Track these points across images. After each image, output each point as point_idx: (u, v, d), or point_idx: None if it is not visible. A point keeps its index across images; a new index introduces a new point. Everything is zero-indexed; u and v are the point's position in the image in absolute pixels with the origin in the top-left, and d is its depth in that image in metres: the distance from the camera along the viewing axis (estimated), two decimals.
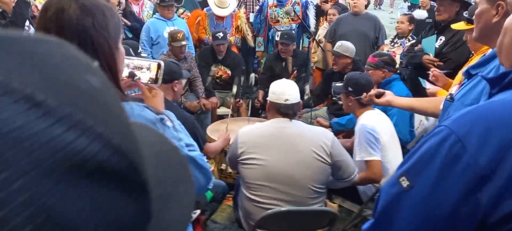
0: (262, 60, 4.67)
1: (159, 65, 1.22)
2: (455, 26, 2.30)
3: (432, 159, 0.68)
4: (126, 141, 0.27)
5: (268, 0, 4.51)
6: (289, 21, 4.39)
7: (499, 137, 0.63)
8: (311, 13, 4.56)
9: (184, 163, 0.44)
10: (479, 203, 0.63)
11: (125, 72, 1.19)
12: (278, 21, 4.43)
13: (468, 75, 1.36)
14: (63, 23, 0.84)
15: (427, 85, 2.40)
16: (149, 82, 1.22)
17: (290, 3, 4.44)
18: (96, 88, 0.27)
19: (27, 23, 3.19)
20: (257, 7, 4.73)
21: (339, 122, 3.06)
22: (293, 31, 4.35)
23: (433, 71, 2.42)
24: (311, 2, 4.66)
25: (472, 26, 2.15)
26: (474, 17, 1.37)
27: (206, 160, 1.19)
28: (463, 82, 1.40)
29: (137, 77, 1.20)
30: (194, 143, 1.16)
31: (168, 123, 1.05)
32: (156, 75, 1.22)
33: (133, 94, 1.28)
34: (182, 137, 1.10)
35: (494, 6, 1.27)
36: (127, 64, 1.20)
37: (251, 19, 4.61)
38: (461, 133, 0.66)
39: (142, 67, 1.21)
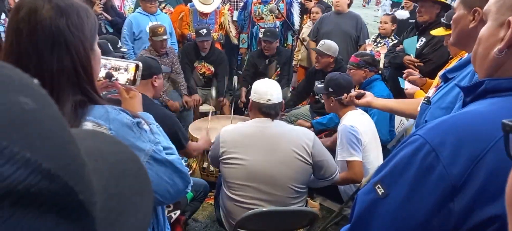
0: (245, 58, 4.66)
1: (137, 66, 1.20)
2: (434, 32, 2.35)
3: (407, 168, 0.69)
4: (60, 162, 0.27)
5: None
6: (273, 18, 4.39)
7: (470, 148, 0.64)
8: (296, 11, 4.57)
9: (143, 173, 0.44)
10: (451, 212, 0.65)
11: (101, 73, 1.16)
12: (262, 18, 4.43)
13: (445, 78, 1.38)
14: (36, 24, 0.82)
15: (406, 86, 2.45)
16: (127, 83, 1.20)
17: (275, 1, 4.43)
18: (28, 111, 0.26)
19: (3, 16, 3.10)
20: (242, 4, 4.71)
21: (320, 121, 3.08)
22: (277, 29, 4.35)
23: (409, 77, 2.46)
24: (295, 0, 4.67)
25: (450, 31, 2.21)
26: (451, 22, 1.39)
27: (185, 162, 1.18)
28: (440, 86, 1.43)
29: (115, 78, 1.18)
30: (173, 146, 1.14)
31: (145, 126, 1.03)
32: (134, 76, 1.20)
33: (111, 95, 1.26)
34: (160, 140, 1.08)
35: (471, 12, 1.29)
36: (104, 65, 1.17)
37: (235, 17, 4.59)
38: (434, 143, 0.67)
39: (119, 68, 1.19)
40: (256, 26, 4.48)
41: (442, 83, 1.40)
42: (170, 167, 1.06)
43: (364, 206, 0.75)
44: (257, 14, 4.45)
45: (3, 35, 3.11)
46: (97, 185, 0.32)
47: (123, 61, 1.21)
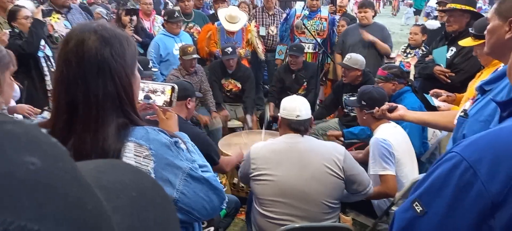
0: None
1: (173, 88, 1.25)
2: (463, 42, 2.30)
3: (445, 185, 0.69)
4: (75, 223, 0.25)
5: (295, 9, 4.54)
6: (315, 34, 4.39)
7: (509, 165, 0.63)
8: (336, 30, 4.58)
9: (166, 202, 0.43)
10: (492, 229, 0.64)
11: (140, 96, 1.22)
12: (303, 32, 4.44)
13: (482, 91, 1.35)
14: (83, 54, 0.89)
15: (436, 103, 2.39)
16: (164, 105, 1.25)
17: (317, 18, 4.46)
18: (35, 171, 0.25)
19: (42, 42, 3.28)
20: (269, 20, 4.78)
21: (352, 131, 3.05)
22: (320, 50, 4.34)
23: (438, 98, 2.41)
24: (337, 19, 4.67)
25: (480, 41, 2.16)
26: (485, 32, 1.37)
27: (219, 179, 1.20)
28: (477, 98, 1.39)
29: (152, 100, 1.23)
30: (207, 164, 1.17)
31: (182, 146, 1.07)
32: (170, 98, 1.25)
33: (149, 117, 1.31)
34: (195, 158, 1.11)
35: (507, 22, 1.26)
36: (142, 88, 1.23)
37: (262, 33, 4.65)
38: (472, 160, 0.66)
39: (156, 91, 1.24)
40: (297, 40, 4.50)
41: (479, 95, 1.37)
42: (206, 184, 1.09)
43: (402, 224, 0.74)
44: (300, 27, 4.47)
45: (43, 60, 3.29)
46: (120, 225, 0.32)
47: (160, 84, 1.27)
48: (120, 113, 0.95)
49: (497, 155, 0.65)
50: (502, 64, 1.39)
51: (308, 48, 4.42)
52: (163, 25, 4.27)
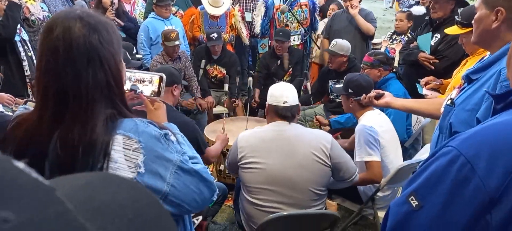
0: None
1: (161, 78, 1.21)
2: (449, 30, 2.32)
3: (441, 179, 0.69)
4: None
5: (273, 1, 4.40)
6: (299, 25, 4.34)
7: (506, 160, 0.64)
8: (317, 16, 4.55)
9: (164, 217, 0.41)
10: (488, 224, 0.65)
11: (127, 86, 1.18)
12: (287, 25, 4.39)
13: (469, 80, 1.37)
14: (71, 41, 0.85)
15: (424, 92, 2.42)
16: (152, 95, 1.21)
17: (298, 6, 4.41)
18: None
19: (18, 26, 3.14)
20: (252, 5, 4.70)
21: (338, 120, 3.07)
22: (306, 36, 4.31)
23: (427, 86, 2.44)
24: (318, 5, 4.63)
25: (466, 29, 2.18)
26: (473, 21, 1.38)
27: (208, 170, 1.19)
28: (463, 87, 1.41)
29: (140, 90, 1.19)
30: (197, 155, 1.15)
31: (172, 138, 1.04)
32: (158, 88, 1.22)
33: (136, 107, 1.27)
34: (185, 150, 1.09)
35: (494, 11, 1.27)
36: (129, 78, 1.19)
37: (248, 18, 4.57)
38: (469, 155, 0.66)
39: (144, 80, 1.20)
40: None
41: (466, 84, 1.39)
42: (197, 176, 1.07)
43: (397, 218, 0.75)
44: (281, 20, 4.42)
45: (19, 45, 3.16)
46: None
47: (148, 74, 1.23)
48: (109, 104, 0.92)
49: (495, 150, 0.65)
50: (488, 53, 1.41)
51: (294, 40, 4.37)
52: (152, 9, 4.18)
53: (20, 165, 0.23)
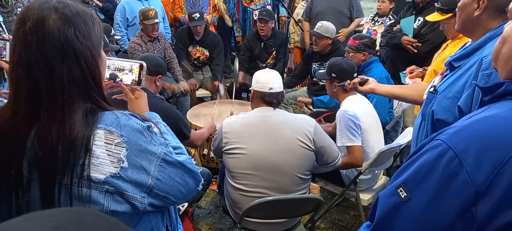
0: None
1: (141, 66, 1.18)
2: (430, 17, 2.34)
3: (430, 172, 0.70)
4: None
5: None
6: None
7: (494, 155, 0.65)
8: None
9: None
10: (474, 217, 0.66)
11: (105, 74, 1.14)
12: (252, 1, 4.34)
13: (451, 67, 1.38)
14: (44, 35, 0.80)
15: (407, 81, 2.45)
16: (132, 84, 1.18)
17: None
18: None
19: None
20: None
21: (321, 99, 3.08)
22: (269, 7, 4.28)
23: (411, 75, 2.47)
24: None
25: (446, 15, 2.20)
26: (456, 9, 1.38)
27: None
28: (446, 74, 1.42)
29: (119, 79, 1.16)
30: (181, 145, 1.13)
31: (155, 129, 1.02)
32: (139, 76, 1.18)
33: (115, 96, 1.24)
34: (169, 140, 1.07)
35: (475, 0, 1.28)
36: (108, 66, 1.15)
37: None
38: (458, 149, 0.67)
39: (123, 69, 1.16)
40: (248, 10, 4.39)
41: (448, 71, 1.40)
42: (181, 168, 1.06)
43: (386, 209, 0.76)
44: None
45: None
46: None
47: (127, 62, 1.19)
48: (87, 99, 0.88)
49: (484, 145, 0.66)
50: (470, 41, 1.42)
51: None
52: None
53: None
